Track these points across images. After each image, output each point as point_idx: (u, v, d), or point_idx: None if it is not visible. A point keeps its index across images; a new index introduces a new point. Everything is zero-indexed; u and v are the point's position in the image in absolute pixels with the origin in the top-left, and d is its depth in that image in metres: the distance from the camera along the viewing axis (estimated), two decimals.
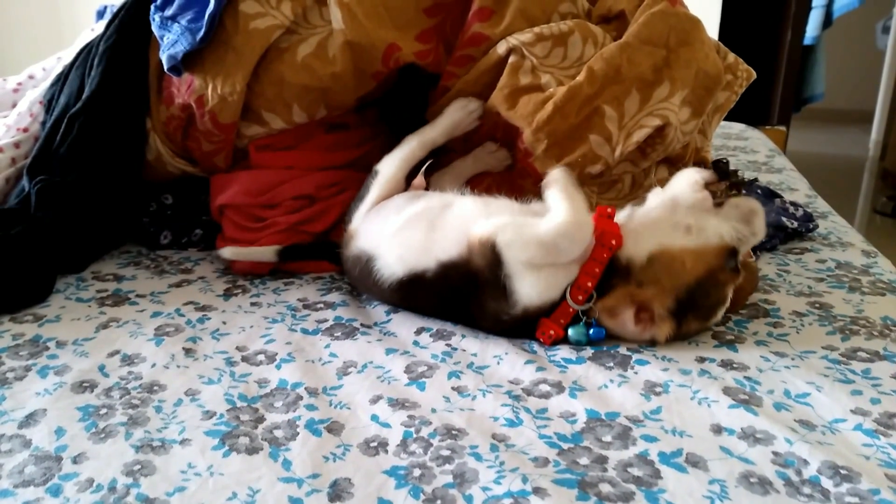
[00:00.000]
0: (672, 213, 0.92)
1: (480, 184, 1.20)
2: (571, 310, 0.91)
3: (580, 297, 0.90)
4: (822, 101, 3.82)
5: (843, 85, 5.14)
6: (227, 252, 1.19)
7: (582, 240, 0.89)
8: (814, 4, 3.41)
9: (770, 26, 3.40)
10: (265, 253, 1.19)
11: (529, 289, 0.91)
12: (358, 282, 1.09)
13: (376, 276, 1.01)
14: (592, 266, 0.90)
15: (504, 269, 0.90)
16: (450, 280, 0.95)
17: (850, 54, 5.18)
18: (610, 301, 0.89)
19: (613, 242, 0.90)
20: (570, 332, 0.92)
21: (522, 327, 0.94)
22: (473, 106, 1.18)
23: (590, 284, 0.90)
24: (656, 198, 0.94)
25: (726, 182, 0.95)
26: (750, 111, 2.48)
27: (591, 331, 0.91)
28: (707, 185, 0.92)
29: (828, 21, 3.46)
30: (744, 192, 0.93)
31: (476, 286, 0.93)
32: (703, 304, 0.90)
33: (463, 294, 0.95)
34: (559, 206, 0.90)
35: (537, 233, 0.89)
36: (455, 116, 1.18)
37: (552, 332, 0.93)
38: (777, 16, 3.38)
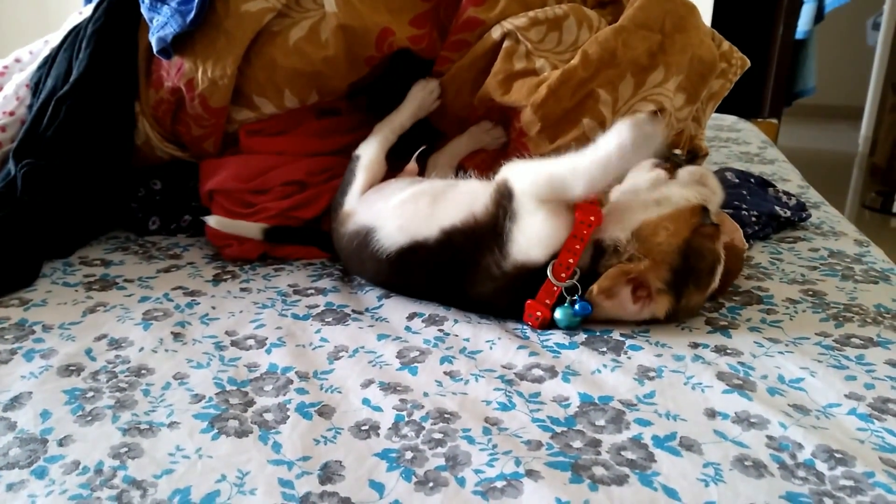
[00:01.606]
0: (638, 194, 0.94)
1: (474, 160, 1.19)
2: (556, 289, 0.91)
3: (563, 275, 0.90)
4: (812, 97, 3.82)
5: (834, 81, 5.16)
6: (213, 220, 1.18)
7: (591, 183, 0.87)
8: None
9: (762, 19, 3.39)
10: (251, 229, 1.18)
11: (524, 236, 0.90)
12: (353, 256, 1.08)
13: (375, 247, 1.00)
14: (573, 243, 0.90)
15: (512, 204, 0.91)
16: (451, 245, 0.95)
17: (840, 51, 5.20)
18: (605, 282, 0.88)
19: (592, 219, 0.90)
20: (558, 313, 0.92)
21: (511, 295, 0.93)
22: (433, 85, 1.21)
23: (571, 261, 0.90)
24: (618, 190, 0.96)
25: (671, 161, 0.97)
26: (742, 104, 2.48)
27: (577, 306, 0.90)
28: (656, 166, 0.95)
29: (819, 15, 3.46)
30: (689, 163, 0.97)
31: (475, 245, 0.93)
32: (700, 266, 0.90)
33: (461, 260, 0.95)
34: (596, 149, 0.87)
35: (552, 167, 0.90)
36: (417, 98, 1.20)
37: (539, 313, 0.92)
38: (769, 9, 3.38)
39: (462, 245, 0.94)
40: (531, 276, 0.91)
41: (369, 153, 1.14)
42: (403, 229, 0.99)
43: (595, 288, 0.88)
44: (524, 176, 0.92)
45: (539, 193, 0.90)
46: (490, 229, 0.92)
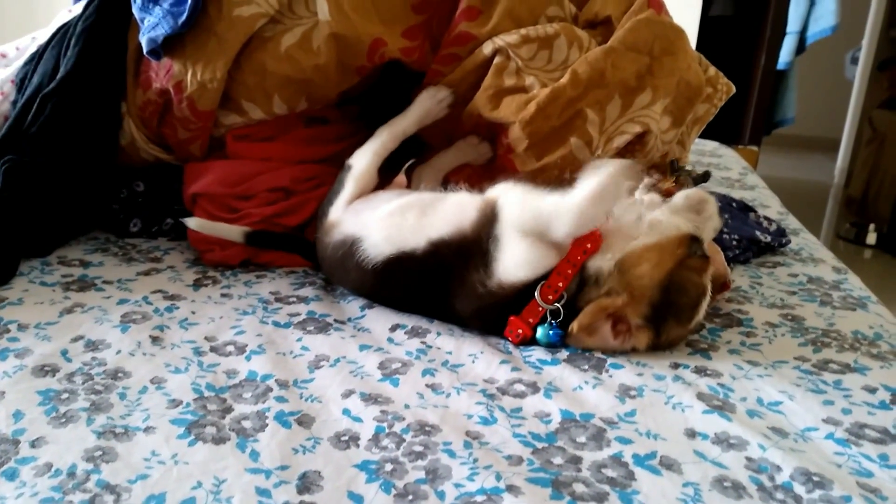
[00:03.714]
0: (630, 219, 0.92)
1: (460, 175, 1.19)
2: (541, 309, 0.91)
3: (550, 297, 0.90)
4: (791, 127, 3.89)
5: (812, 112, 5.24)
6: (192, 223, 1.18)
7: (576, 227, 0.89)
8: (788, 30, 3.48)
9: (745, 49, 3.46)
10: (232, 231, 1.17)
11: (510, 258, 0.91)
12: (336, 267, 1.07)
13: (360, 257, 1.00)
14: (566, 267, 0.90)
15: (495, 230, 0.91)
16: (437, 257, 0.95)
17: (819, 83, 5.29)
18: (584, 319, 0.88)
19: (588, 246, 0.90)
20: (539, 332, 0.92)
21: (494, 312, 0.93)
22: (443, 94, 1.18)
23: (560, 285, 0.90)
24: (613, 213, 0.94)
25: (671, 179, 0.97)
26: (722, 131, 2.51)
27: (552, 332, 0.91)
28: (653, 187, 0.94)
29: (801, 47, 3.53)
30: (692, 184, 0.96)
31: (462, 259, 0.93)
32: (681, 301, 0.89)
33: (446, 271, 0.94)
34: (580, 190, 0.90)
35: (538, 203, 0.91)
36: (425, 105, 1.18)
37: (520, 331, 0.92)
38: (752, 39, 3.44)
39: (449, 258, 0.94)
40: (515, 295, 0.91)
41: (363, 163, 1.12)
42: (390, 240, 0.98)
43: (575, 326, 0.88)
44: (512, 206, 0.93)
45: (524, 227, 0.91)
46: (477, 245, 0.93)
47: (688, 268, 0.88)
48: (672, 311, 0.89)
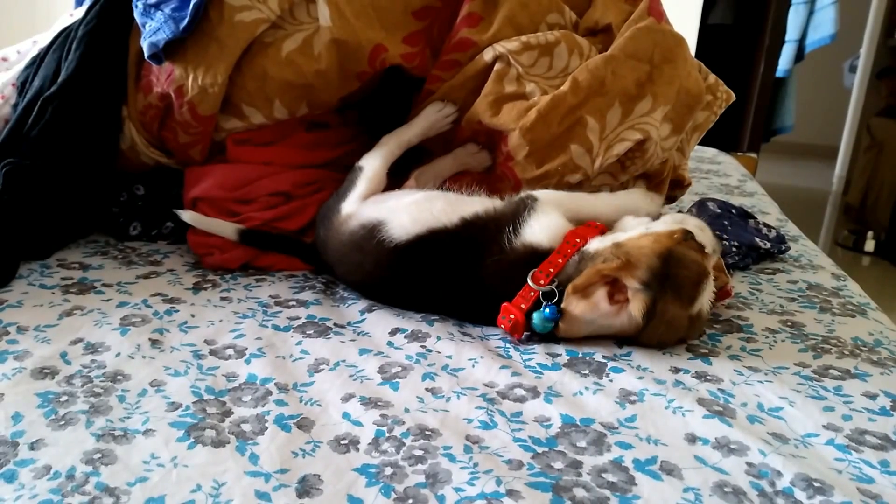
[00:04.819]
0: (627, 227, 0.99)
1: (458, 183, 1.20)
2: (532, 294, 0.93)
3: (542, 282, 0.93)
4: (790, 134, 3.91)
5: (811, 120, 5.27)
6: (187, 216, 1.18)
7: (607, 212, 1.04)
8: (787, 39, 3.50)
9: (744, 57, 3.47)
10: (226, 228, 1.18)
11: (538, 223, 0.97)
12: (352, 252, 1.07)
13: (383, 237, 1.02)
14: (556, 257, 0.94)
15: (534, 206, 0.99)
16: (471, 228, 1.00)
17: (818, 91, 5.32)
18: (580, 280, 0.89)
19: (578, 240, 0.95)
20: (535, 317, 0.93)
21: (505, 272, 0.96)
22: (448, 110, 1.21)
23: (552, 270, 0.93)
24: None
25: None
26: (722, 138, 2.52)
27: (547, 310, 0.92)
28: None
29: (800, 55, 3.55)
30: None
31: (496, 223, 0.99)
32: (680, 274, 0.89)
33: (478, 236, 0.99)
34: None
35: (574, 193, 1.08)
36: (430, 119, 1.21)
37: (512, 316, 0.93)
38: (751, 47, 3.46)
39: (482, 225, 1.00)
40: (528, 262, 0.95)
41: (373, 165, 1.14)
42: (419, 221, 1.01)
43: (570, 287, 0.90)
44: (549, 192, 1.04)
45: (561, 203, 1.01)
46: (510, 215, 0.99)
47: (686, 246, 0.91)
48: (671, 282, 0.89)
